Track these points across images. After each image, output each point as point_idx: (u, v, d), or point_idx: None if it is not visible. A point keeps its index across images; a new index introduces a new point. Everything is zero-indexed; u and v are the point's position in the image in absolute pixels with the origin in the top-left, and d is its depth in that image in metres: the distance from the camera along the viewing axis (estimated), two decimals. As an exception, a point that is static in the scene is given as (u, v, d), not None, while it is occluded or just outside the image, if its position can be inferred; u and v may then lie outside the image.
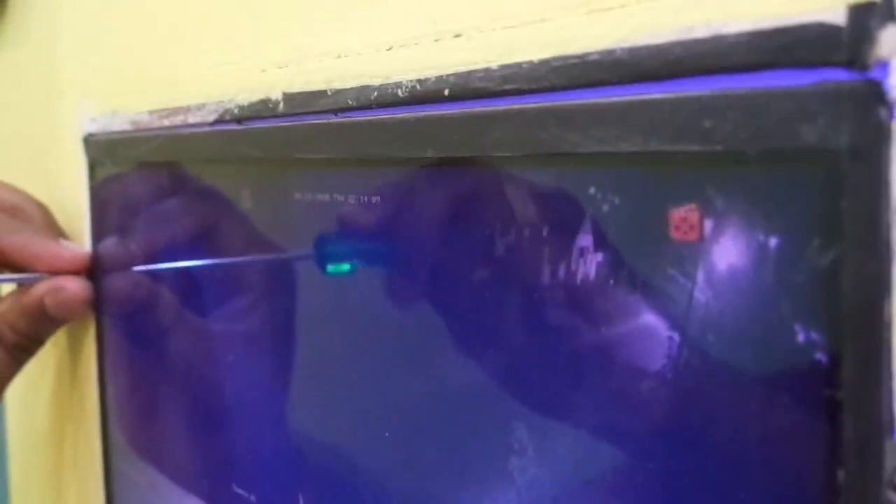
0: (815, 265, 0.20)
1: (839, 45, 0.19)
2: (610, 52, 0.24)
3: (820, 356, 0.20)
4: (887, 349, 0.19)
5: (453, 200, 0.30)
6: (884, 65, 0.18)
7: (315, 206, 0.36)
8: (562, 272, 0.26)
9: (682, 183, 0.23)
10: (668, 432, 0.24)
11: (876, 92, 0.18)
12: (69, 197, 0.60)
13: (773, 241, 0.21)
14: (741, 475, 0.22)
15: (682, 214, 0.23)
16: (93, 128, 0.56)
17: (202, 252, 0.45)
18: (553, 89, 0.26)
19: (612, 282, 0.25)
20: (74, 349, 0.62)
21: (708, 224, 0.22)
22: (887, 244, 0.19)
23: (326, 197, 0.36)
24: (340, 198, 0.35)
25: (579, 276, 0.26)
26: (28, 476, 0.72)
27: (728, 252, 0.22)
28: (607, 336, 0.25)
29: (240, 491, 0.44)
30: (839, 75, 0.19)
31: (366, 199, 0.34)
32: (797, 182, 0.20)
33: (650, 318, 0.24)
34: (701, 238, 0.22)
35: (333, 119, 0.35)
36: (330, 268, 0.35)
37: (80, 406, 0.61)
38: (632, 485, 0.25)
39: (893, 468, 0.19)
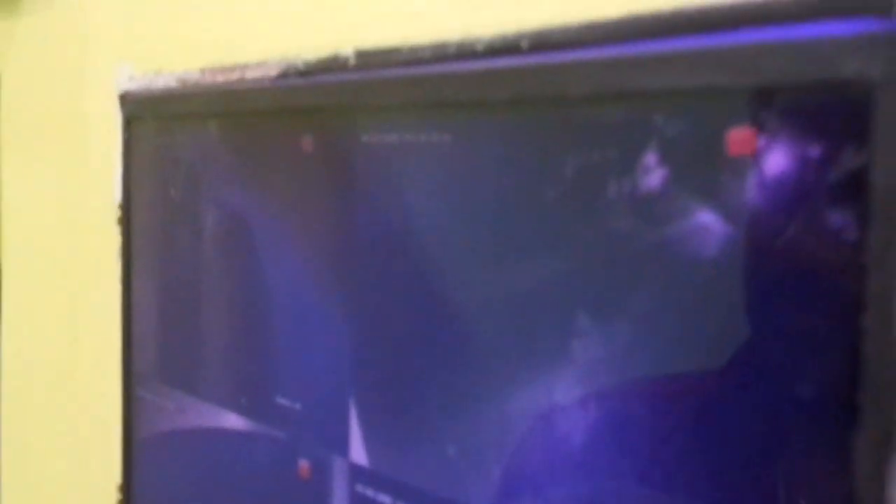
0: (849, 167, 0.28)
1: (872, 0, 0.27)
2: (679, 10, 0.31)
3: (850, 235, 0.27)
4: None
5: (533, 134, 0.36)
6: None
7: (383, 147, 0.43)
8: (630, 184, 0.33)
9: (737, 110, 0.30)
10: (721, 316, 0.31)
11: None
12: (99, 150, 0.65)
13: (814, 151, 0.28)
14: (785, 338, 0.29)
15: (738, 134, 0.30)
16: (130, 86, 0.61)
17: (248, 190, 0.51)
18: (628, 40, 0.33)
19: (673, 190, 0.32)
20: (93, 291, 0.67)
21: (760, 140, 0.29)
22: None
23: (396, 137, 0.42)
24: (411, 138, 0.42)
25: (645, 187, 0.33)
26: (28, 411, 0.77)
27: (776, 161, 0.29)
28: (670, 234, 0.32)
29: (283, 401, 0.50)
30: (872, 24, 0.27)
31: (437, 138, 0.40)
32: (837, 106, 0.28)
33: (707, 218, 0.31)
34: (754, 152, 0.30)
35: (408, 71, 0.41)
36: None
37: (98, 339, 0.66)
38: (685, 355, 0.32)
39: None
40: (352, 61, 0.44)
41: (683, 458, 0.32)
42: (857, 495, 0.27)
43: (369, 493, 0.44)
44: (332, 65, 0.45)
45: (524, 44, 0.36)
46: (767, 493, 0.29)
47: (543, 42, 0.36)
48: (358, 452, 0.45)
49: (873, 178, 0.27)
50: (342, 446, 0.46)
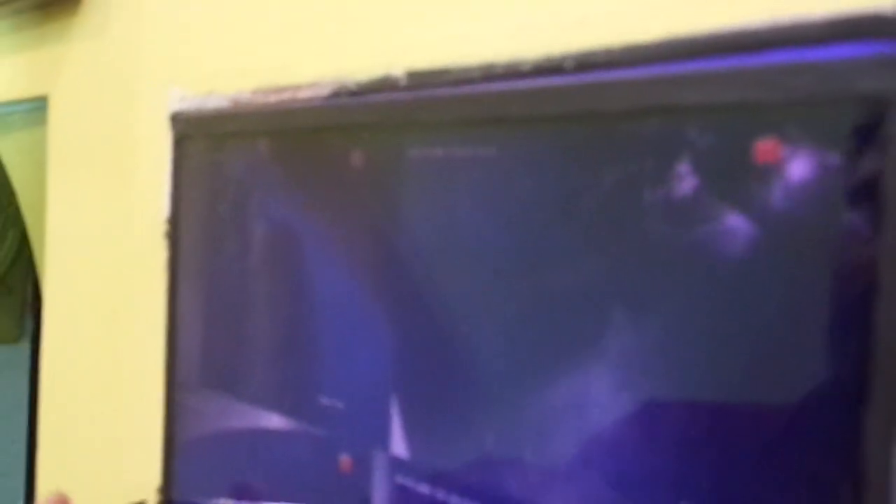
0: (864, 174, 0.31)
1: (889, 25, 0.30)
2: (712, 33, 0.35)
3: (864, 233, 0.31)
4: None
5: (574, 147, 0.40)
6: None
7: (431, 161, 0.47)
8: (664, 192, 0.37)
9: (764, 123, 0.34)
10: (746, 308, 0.35)
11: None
12: (148, 169, 0.69)
13: (833, 160, 0.32)
14: (803, 325, 0.33)
15: (765, 145, 0.34)
16: (182, 107, 0.65)
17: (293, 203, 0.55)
18: (664, 61, 0.37)
19: (705, 196, 0.35)
20: (138, 302, 0.71)
21: (785, 150, 0.33)
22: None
23: (442, 152, 0.46)
24: (457, 152, 0.45)
25: (679, 193, 0.36)
26: (69, 418, 0.80)
27: (799, 168, 0.33)
28: (701, 236, 0.36)
29: (325, 400, 0.53)
30: (887, 46, 0.31)
31: (482, 151, 0.44)
32: (854, 120, 0.31)
33: (736, 220, 0.35)
34: (778, 160, 0.33)
35: (456, 90, 0.45)
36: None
37: (141, 348, 0.70)
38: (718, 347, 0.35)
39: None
40: (403, 82, 0.48)
41: (706, 439, 0.35)
42: (864, 469, 0.31)
43: (409, 483, 0.48)
44: (384, 85, 0.49)
45: (568, 64, 0.40)
46: (777, 466, 0.33)
47: (586, 62, 0.39)
48: (398, 446, 0.48)
49: (886, 184, 0.30)
50: (383, 441, 0.49)
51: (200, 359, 0.64)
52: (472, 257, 0.44)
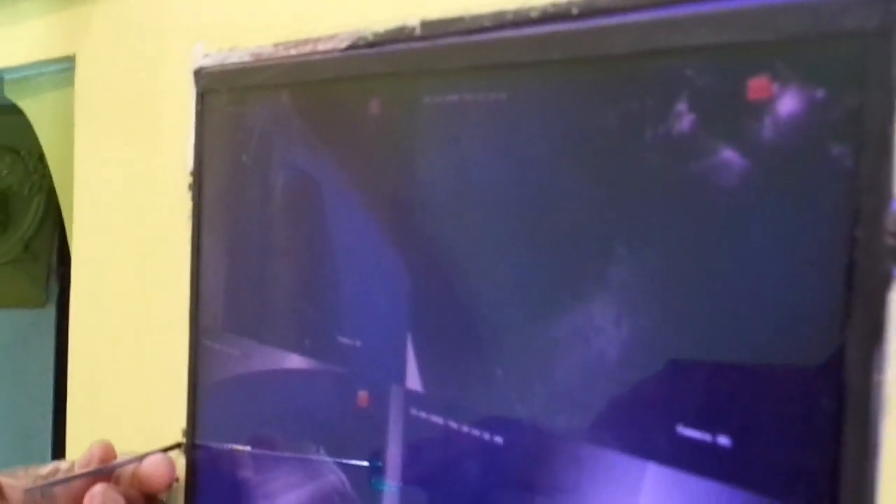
0: (848, 107, 0.33)
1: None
2: (710, -21, 0.37)
3: (847, 162, 0.33)
4: (891, 146, 0.32)
5: (580, 89, 0.42)
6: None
7: (444, 107, 0.49)
8: (665, 129, 0.39)
9: (757, 62, 0.36)
10: (737, 233, 0.37)
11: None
12: (172, 124, 0.71)
13: (820, 94, 0.34)
14: (788, 244, 0.35)
15: (758, 82, 0.36)
16: (205, 62, 0.68)
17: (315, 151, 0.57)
18: (664, 5, 0.39)
19: (702, 132, 0.38)
20: (163, 252, 0.73)
21: (776, 86, 0.35)
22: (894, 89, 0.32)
23: (455, 97, 0.48)
24: (469, 97, 0.47)
25: (678, 130, 0.38)
26: (97, 364, 0.83)
27: (788, 103, 0.35)
28: (698, 170, 0.38)
29: (344, 340, 0.56)
30: (871, -13, 0.33)
31: (493, 96, 0.46)
32: (839, 55, 0.33)
33: (730, 154, 0.37)
34: (770, 96, 0.35)
35: (469, 38, 0.47)
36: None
37: (167, 295, 0.73)
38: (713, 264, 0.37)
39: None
40: (418, 31, 0.50)
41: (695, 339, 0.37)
42: (846, 384, 0.33)
43: (423, 415, 0.50)
44: (400, 35, 0.51)
45: (574, 10, 0.42)
46: (766, 385, 0.35)
47: (591, 8, 0.41)
48: (413, 380, 0.51)
49: (867, 116, 0.33)
50: (399, 376, 0.52)
51: (225, 305, 0.67)
52: (483, 197, 0.46)
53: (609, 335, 0.41)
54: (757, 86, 0.36)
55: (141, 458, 0.67)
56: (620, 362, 0.40)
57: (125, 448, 0.70)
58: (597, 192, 0.41)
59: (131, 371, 0.78)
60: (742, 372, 0.36)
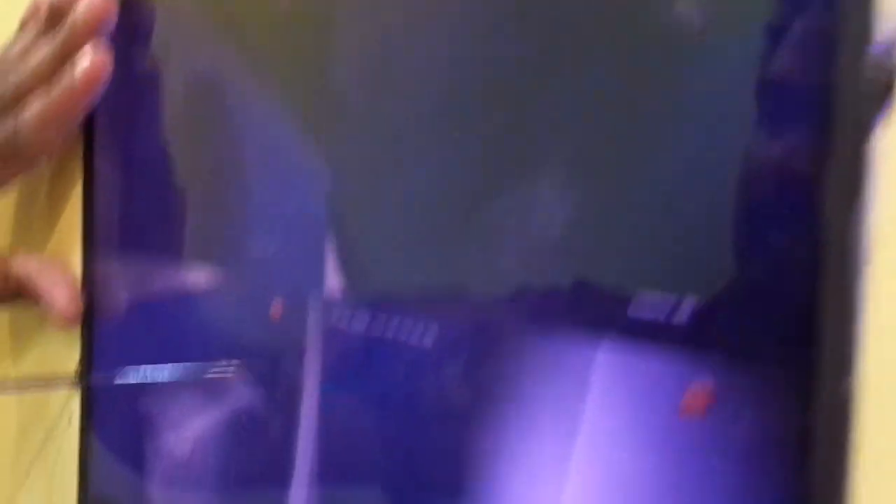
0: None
1: None
2: None
3: None
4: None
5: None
6: None
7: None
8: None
9: None
10: (706, 89, 0.34)
11: None
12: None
13: None
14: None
15: None
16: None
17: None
18: None
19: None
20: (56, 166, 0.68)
21: None
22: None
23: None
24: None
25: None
26: None
27: None
28: (655, 29, 0.35)
29: (256, 248, 0.52)
30: None
31: None
32: None
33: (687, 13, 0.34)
34: None
35: None
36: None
37: (59, 221, 0.67)
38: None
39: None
40: None
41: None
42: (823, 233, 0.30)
43: (344, 320, 0.46)
44: None
45: None
46: (742, 235, 0.32)
47: None
48: (333, 285, 0.47)
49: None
50: (317, 282, 0.48)
51: (121, 223, 0.62)
52: (411, 74, 0.43)
53: (553, 216, 0.38)
54: None
55: None
56: (568, 243, 0.37)
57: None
58: (542, 56, 0.38)
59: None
60: (710, 230, 0.33)
